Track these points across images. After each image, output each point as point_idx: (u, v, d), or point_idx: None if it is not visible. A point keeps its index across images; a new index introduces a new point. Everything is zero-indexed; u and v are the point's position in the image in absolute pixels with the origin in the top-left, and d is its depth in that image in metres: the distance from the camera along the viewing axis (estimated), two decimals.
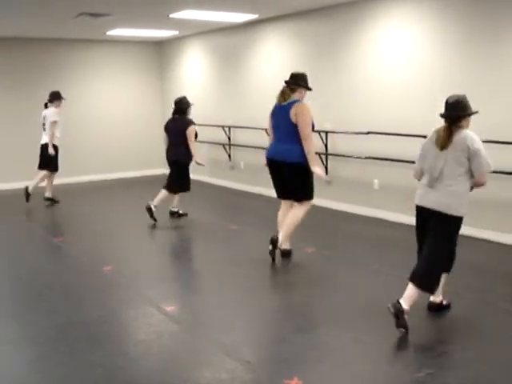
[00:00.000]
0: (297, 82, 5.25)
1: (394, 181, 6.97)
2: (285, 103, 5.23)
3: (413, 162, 6.45)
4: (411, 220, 6.67)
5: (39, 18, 8.04)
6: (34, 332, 3.94)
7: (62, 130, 8.58)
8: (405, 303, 3.77)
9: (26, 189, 8.58)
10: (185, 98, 7.36)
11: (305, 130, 5.11)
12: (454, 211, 3.82)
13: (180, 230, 7.08)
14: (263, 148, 8.68)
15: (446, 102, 3.92)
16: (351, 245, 6.10)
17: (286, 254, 5.50)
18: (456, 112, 3.84)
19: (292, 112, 5.12)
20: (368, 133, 7.10)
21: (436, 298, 4.11)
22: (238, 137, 9.71)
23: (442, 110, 3.92)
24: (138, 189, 10.20)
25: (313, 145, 5.17)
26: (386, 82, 6.98)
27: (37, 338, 3.82)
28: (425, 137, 6.27)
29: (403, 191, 6.84)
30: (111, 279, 5.08)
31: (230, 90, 9.85)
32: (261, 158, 8.87)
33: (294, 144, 5.15)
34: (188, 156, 7.19)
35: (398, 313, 3.75)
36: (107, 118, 11.17)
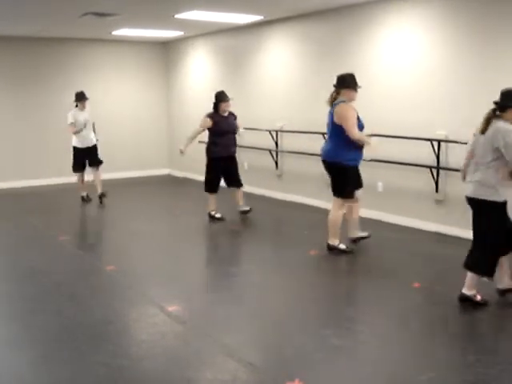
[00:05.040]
0: (339, 84, 5.49)
1: (398, 184, 6.97)
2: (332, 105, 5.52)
3: (416, 165, 6.54)
4: (415, 223, 6.73)
5: (45, 18, 8.06)
6: (37, 332, 3.95)
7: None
8: (469, 290, 4.13)
9: (99, 196, 8.64)
10: (221, 92, 7.15)
11: (348, 129, 5.33)
12: (488, 197, 3.99)
13: (183, 231, 7.08)
14: (267, 149, 8.74)
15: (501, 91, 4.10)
16: (354, 247, 6.10)
17: (332, 249, 5.69)
18: (502, 101, 4.03)
19: (334, 113, 5.40)
20: (372, 135, 7.08)
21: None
22: (242, 137, 9.68)
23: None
24: (142, 189, 10.23)
25: (359, 136, 5.36)
26: (391, 84, 6.97)
27: (40, 338, 3.84)
28: (429, 140, 6.36)
29: (407, 194, 6.84)
30: (114, 279, 5.10)
31: (235, 91, 9.81)
32: (265, 160, 8.93)
33: (334, 143, 5.52)
34: (208, 149, 7.16)
35: (468, 299, 4.12)
36: (112, 118, 11.13)
